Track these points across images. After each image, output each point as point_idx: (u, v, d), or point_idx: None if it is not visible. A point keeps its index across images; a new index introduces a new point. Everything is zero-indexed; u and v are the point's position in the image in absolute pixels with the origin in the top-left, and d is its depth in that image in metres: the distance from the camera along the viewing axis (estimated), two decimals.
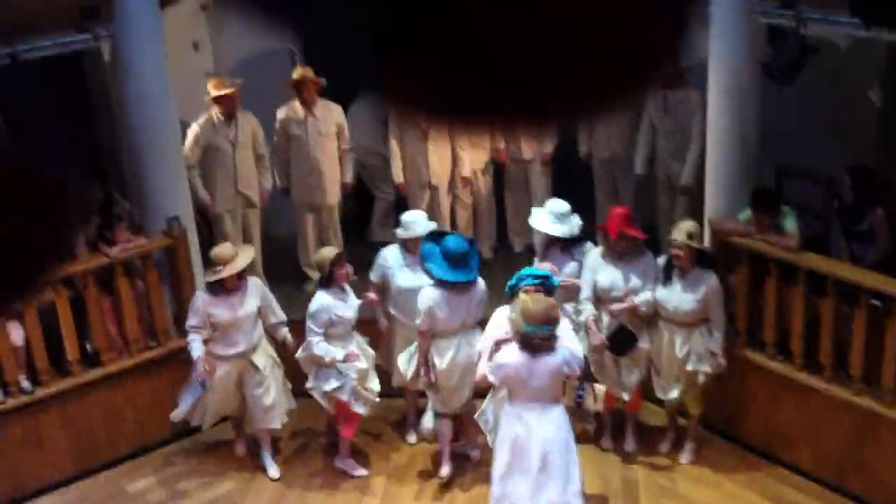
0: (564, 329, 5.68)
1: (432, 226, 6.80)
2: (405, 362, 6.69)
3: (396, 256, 6.87)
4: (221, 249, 6.69)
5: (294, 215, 8.20)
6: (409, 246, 6.76)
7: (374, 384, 6.77)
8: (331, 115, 7.95)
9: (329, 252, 6.71)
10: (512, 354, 5.54)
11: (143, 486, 6.98)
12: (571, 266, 6.69)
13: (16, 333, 6.69)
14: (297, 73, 7.86)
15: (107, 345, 7.03)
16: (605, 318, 6.61)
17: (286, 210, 8.27)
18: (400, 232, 6.84)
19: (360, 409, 6.69)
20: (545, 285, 5.77)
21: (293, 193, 8.11)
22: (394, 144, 8.16)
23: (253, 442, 7.12)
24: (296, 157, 7.98)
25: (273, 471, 6.96)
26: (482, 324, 6.26)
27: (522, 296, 5.58)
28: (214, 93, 7.60)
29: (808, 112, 7.79)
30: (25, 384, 6.76)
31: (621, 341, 6.54)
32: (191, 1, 7.92)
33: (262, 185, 7.97)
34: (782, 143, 7.53)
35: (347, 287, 6.67)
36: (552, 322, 5.47)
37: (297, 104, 7.90)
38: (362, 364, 6.63)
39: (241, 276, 6.64)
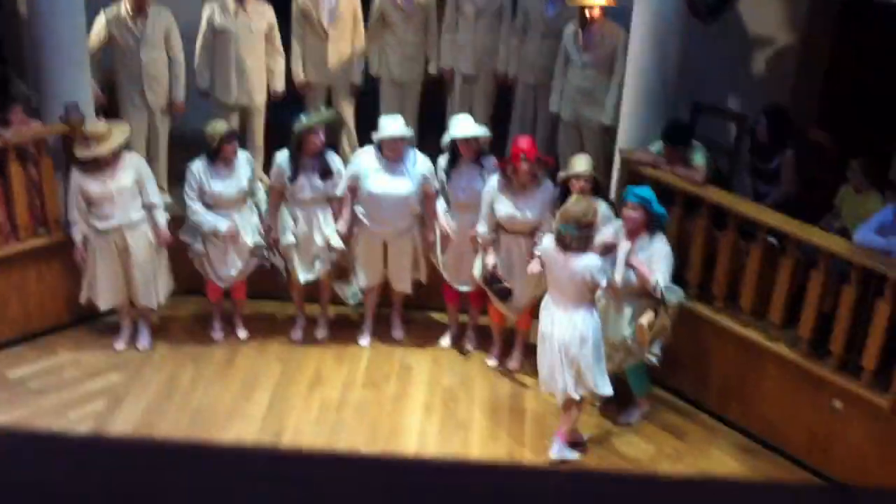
0: (659, 251, 6.01)
1: (408, 131, 6.74)
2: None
3: (371, 159, 6.76)
4: (95, 127, 6.61)
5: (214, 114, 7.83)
6: (384, 149, 6.69)
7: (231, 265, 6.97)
8: (263, 12, 7.67)
9: (222, 126, 6.73)
10: (549, 243, 5.86)
11: (25, 373, 6.81)
12: (478, 183, 6.70)
13: None
14: None
15: None
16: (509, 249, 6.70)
17: (204, 107, 7.94)
18: (374, 134, 6.75)
19: (217, 282, 7.05)
20: (645, 208, 6.02)
21: (215, 93, 7.79)
22: (294, 44, 7.94)
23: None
24: (221, 55, 7.65)
25: (144, 341, 7.16)
26: None
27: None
28: None
29: (726, 51, 7.83)
30: None
31: (498, 291, 6.70)
32: None
33: (174, 95, 7.63)
34: (699, 79, 7.56)
35: (236, 165, 6.76)
36: (583, 225, 5.67)
37: None
38: (247, 239, 6.88)
39: (116, 150, 6.60)
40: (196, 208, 6.76)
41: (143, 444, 1.05)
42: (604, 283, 5.76)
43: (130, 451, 1.03)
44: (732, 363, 6.54)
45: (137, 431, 6.27)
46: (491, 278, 6.68)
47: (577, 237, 5.67)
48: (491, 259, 6.65)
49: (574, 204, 5.77)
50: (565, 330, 5.84)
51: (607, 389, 6.00)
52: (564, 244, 5.73)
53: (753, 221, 6.31)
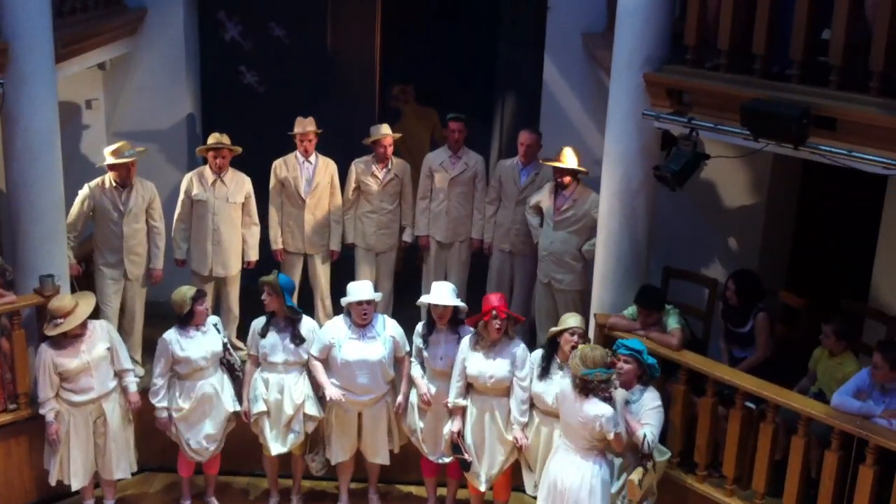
0: (648, 403, 5.92)
1: (375, 295, 6.75)
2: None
3: (342, 328, 6.75)
4: (61, 301, 6.58)
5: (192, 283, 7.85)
6: (352, 314, 6.70)
7: (205, 433, 6.82)
8: (241, 183, 7.80)
9: (189, 290, 6.72)
10: (567, 387, 5.86)
11: None
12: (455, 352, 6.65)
13: None
14: (213, 139, 7.69)
15: None
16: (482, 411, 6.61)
17: (180, 278, 7.98)
18: (343, 300, 6.75)
19: (194, 457, 6.87)
20: (637, 360, 5.98)
21: (191, 264, 7.86)
22: (272, 211, 8.07)
23: None
24: (197, 225, 7.76)
25: None
26: None
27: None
28: (110, 160, 7.35)
29: (695, 215, 8.00)
30: None
31: (458, 461, 6.70)
32: (88, 59, 7.72)
33: (153, 264, 7.68)
34: (669, 243, 7.69)
35: (208, 327, 6.74)
36: (609, 365, 5.73)
37: (206, 170, 7.74)
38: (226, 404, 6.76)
39: (83, 322, 6.56)
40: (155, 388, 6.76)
41: None
42: (612, 434, 5.69)
43: None
44: None
45: None
46: (453, 446, 6.60)
47: (604, 379, 5.67)
48: (456, 425, 6.58)
49: (591, 349, 5.80)
50: (574, 478, 5.77)
51: None
52: (587, 388, 5.69)
53: (731, 386, 6.29)
